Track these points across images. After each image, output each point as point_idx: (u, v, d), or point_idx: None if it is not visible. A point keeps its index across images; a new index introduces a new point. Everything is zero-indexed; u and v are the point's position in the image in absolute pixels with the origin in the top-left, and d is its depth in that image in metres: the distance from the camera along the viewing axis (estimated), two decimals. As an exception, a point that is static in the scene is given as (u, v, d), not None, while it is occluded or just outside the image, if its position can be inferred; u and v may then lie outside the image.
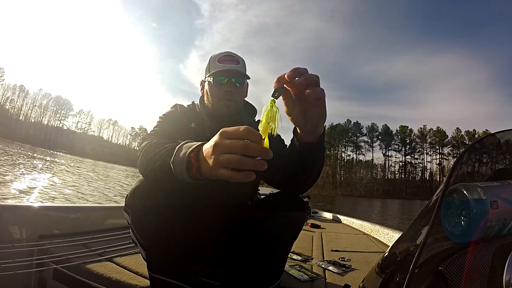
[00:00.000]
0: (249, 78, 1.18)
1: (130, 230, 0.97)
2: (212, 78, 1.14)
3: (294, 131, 0.82)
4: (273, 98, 0.66)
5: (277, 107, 0.65)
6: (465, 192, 0.58)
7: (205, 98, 1.21)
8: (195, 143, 0.74)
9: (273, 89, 0.67)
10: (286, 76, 0.65)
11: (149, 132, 1.13)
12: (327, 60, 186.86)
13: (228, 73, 1.13)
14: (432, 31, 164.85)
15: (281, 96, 0.68)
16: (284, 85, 0.68)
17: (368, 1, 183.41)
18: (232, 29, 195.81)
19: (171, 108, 1.24)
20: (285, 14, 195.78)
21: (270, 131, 0.64)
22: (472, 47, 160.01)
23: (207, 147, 0.67)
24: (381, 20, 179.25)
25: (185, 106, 1.26)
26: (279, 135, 1.23)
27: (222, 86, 1.13)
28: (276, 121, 0.64)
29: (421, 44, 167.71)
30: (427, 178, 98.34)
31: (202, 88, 1.23)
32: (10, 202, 4.87)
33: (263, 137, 0.63)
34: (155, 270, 0.94)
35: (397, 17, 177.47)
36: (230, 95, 1.13)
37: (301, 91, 0.67)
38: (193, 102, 1.28)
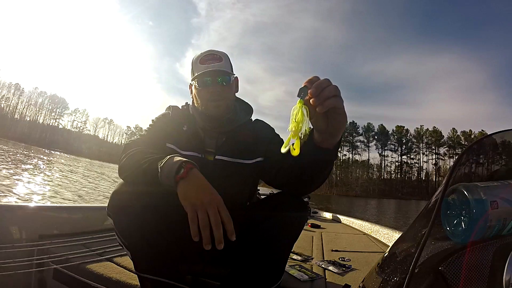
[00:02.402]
0: (234, 74, 1.17)
1: (115, 233, 0.98)
2: (197, 81, 1.12)
3: (311, 134, 0.85)
4: (300, 99, 0.68)
5: (306, 107, 0.68)
6: (465, 192, 0.58)
7: (195, 101, 1.20)
8: (190, 161, 0.87)
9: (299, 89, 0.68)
10: (310, 93, 0.67)
11: (138, 135, 1.15)
12: (324, 60, 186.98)
13: (212, 73, 1.10)
14: (431, 31, 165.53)
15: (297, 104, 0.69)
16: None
17: (367, 0, 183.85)
18: (229, 28, 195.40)
19: (166, 110, 1.25)
20: (282, 13, 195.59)
21: (301, 133, 0.67)
22: (470, 48, 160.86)
23: (201, 186, 0.83)
24: (379, 20, 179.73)
25: (179, 107, 1.26)
26: (278, 135, 1.23)
27: (208, 88, 1.11)
28: (307, 123, 0.68)
29: (419, 44, 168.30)
30: (423, 178, 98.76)
31: (191, 92, 1.21)
32: (10, 202, 4.85)
33: (295, 138, 0.67)
34: (141, 270, 0.95)
35: (395, 17, 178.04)
36: (218, 96, 1.12)
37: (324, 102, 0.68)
38: (186, 103, 1.27)
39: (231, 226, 0.79)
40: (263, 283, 0.97)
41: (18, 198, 5.45)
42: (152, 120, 1.20)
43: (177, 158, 0.87)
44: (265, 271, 0.98)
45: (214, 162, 1.13)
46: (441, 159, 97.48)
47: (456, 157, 0.66)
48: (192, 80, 1.15)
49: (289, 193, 1.06)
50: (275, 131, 1.26)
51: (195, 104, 1.20)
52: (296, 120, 0.67)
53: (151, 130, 1.16)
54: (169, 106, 1.25)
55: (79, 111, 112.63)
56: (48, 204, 3.32)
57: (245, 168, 1.15)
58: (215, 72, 1.10)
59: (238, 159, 1.15)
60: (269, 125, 1.27)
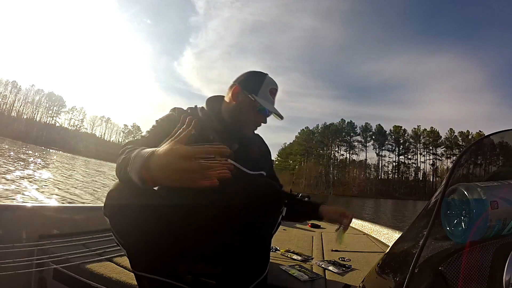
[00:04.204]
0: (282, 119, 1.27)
1: (112, 233, 0.99)
2: (260, 106, 1.17)
3: (315, 212, 1.38)
4: (341, 229, 1.36)
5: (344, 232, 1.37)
6: (465, 192, 0.58)
7: (231, 105, 1.21)
8: (146, 153, 0.77)
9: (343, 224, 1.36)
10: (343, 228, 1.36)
11: (140, 136, 1.15)
12: (323, 59, 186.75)
13: (273, 110, 1.20)
14: (429, 31, 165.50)
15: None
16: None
17: (365, 0, 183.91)
18: (227, 27, 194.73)
19: (170, 111, 1.22)
20: (280, 13, 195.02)
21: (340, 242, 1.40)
22: (469, 48, 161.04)
23: (165, 164, 0.72)
24: (379, 19, 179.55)
25: (184, 109, 1.25)
26: (272, 161, 1.42)
27: (261, 117, 1.21)
28: (343, 239, 1.36)
29: (418, 44, 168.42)
30: (420, 179, 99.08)
31: (234, 94, 1.20)
32: (10, 202, 4.83)
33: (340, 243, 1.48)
34: (137, 268, 0.95)
35: (394, 17, 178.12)
36: (260, 125, 1.24)
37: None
38: (195, 106, 1.27)
39: (215, 148, 0.72)
40: (251, 276, 1.01)
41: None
42: (156, 121, 1.18)
43: (134, 167, 0.78)
44: (250, 263, 1.01)
45: None
46: (439, 159, 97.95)
47: (456, 157, 0.66)
48: (250, 92, 1.19)
49: (263, 179, 1.13)
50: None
51: (228, 107, 1.22)
52: (341, 237, 1.36)
53: (153, 131, 1.14)
54: (174, 108, 1.24)
55: (76, 109, 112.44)
56: (48, 204, 3.30)
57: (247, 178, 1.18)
58: (275, 111, 1.21)
59: (245, 168, 1.18)
60: (267, 145, 1.40)
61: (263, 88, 1.20)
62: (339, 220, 1.36)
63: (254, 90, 1.19)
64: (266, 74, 1.24)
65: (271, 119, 1.26)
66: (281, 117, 1.24)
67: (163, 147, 0.75)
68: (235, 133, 1.21)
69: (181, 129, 0.72)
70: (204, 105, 1.28)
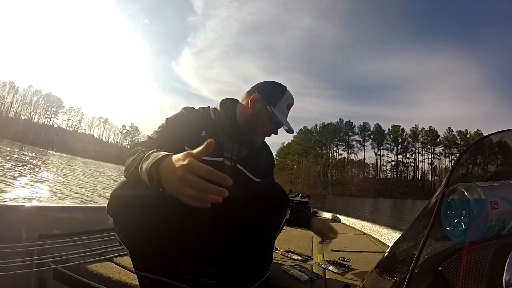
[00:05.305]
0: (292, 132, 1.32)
1: (115, 232, 0.99)
2: (276, 117, 1.20)
3: (307, 224, 1.44)
4: (326, 244, 1.48)
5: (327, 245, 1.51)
6: (465, 192, 0.58)
7: (247, 111, 1.22)
8: (160, 154, 0.76)
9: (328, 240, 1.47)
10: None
11: (150, 135, 1.13)
12: (321, 59, 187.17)
13: (287, 125, 1.25)
14: (428, 31, 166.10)
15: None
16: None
17: None
18: (225, 26, 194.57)
19: (181, 110, 1.21)
20: (279, 12, 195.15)
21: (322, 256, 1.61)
22: (468, 48, 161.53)
23: (171, 169, 0.69)
24: (377, 19, 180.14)
25: (196, 108, 1.24)
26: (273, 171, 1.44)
27: (274, 129, 1.25)
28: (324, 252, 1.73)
29: (417, 44, 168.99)
30: (419, 178, 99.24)
31: (252, 102, 1.21)
32: (10, 202, 4.82)
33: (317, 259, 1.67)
34: (139, 268, 0.95)
35: (394, 16, 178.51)
36: (270, 135, 1.26)
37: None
38: (208, 107, 1.27)
39: (218, 173, 0.67)
40: (253, 277, 1.00)
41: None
42: (166, 119, 1.16)
43: (147, 163, 0.78)
44: (252, 264, 1.01)
45: (232, 168, 1.16)
46: (437, 158, 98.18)
47: (456, 157, 0.66)
48: (269, 104, 1.21)
49: (268, 182, 1.14)
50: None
51: (244, 113, 1.23)
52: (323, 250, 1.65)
53: (162, 131, 1.12)
54: (186, 107, 1.23)
55: (74, 109, 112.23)
56: (48, 204, 3.29)
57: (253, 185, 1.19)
58: (288, 126, 1.26)
59: (252, 175, 1.19)
60: (272, 154, 1.44)
61: (281, 102, 1.22)
62: (326, 233, 1.42)
63: (273, 102, 1.21)
64: (286, 88, 1.27)
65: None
66: (292, 132, 1.28)
67: (178, 154, 0.73)
68: (246, 139, 1.22)
69: (201, 148, 0.70)
70: (216, 106, 1.28)
